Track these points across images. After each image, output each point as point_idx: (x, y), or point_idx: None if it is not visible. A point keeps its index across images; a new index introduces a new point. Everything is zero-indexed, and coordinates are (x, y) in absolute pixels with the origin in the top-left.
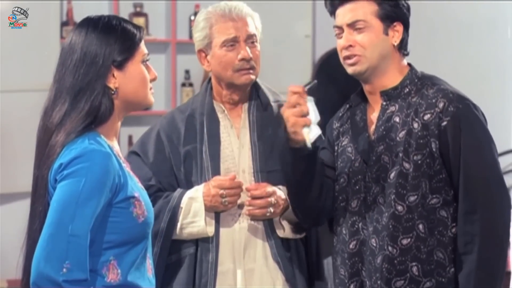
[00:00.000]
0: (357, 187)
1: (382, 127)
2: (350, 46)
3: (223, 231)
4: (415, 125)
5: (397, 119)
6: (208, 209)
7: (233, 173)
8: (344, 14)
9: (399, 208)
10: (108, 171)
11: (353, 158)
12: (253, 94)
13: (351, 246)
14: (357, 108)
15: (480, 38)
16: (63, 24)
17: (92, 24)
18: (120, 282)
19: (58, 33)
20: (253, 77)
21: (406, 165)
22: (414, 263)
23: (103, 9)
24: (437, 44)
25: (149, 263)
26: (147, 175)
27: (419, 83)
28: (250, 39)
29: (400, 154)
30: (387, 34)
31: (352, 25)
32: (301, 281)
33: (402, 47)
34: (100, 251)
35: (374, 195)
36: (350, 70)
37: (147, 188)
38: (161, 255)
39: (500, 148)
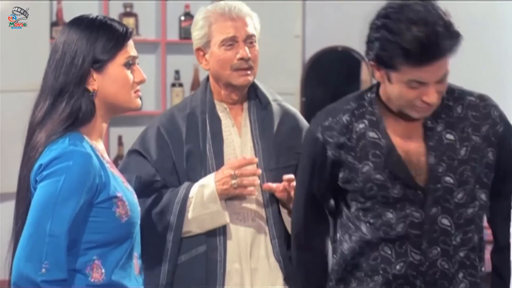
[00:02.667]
0: (402, 212)
1: (437, 149)
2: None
3: (229, 229)
4: (476, 139)
5: (451, 137)
6: (219, 194)
7: (244, 155)
8: (437, 69)
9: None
10: (87, 171)
11: (389, 185)
12: (252, 93)
13: (397, 267)
14: (371, 123)
15: (480, 36)
16: (53, 24)
17: (76, 23)
18: (104, 281)
19: (48, 33)
20: (250, 78)
21: (471, 180)
22: (462, 272)
23: (93, 9)
24: None
25: (137, 263)
26: (150, 172)
27: (456, 93)
28: (249, 39)
29: (467, 173)
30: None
31: (441, 79)
32: None
33: None
34: (83, 251)
35: (433, 217)
36: (419, 115)
37: (153, 183)
38: (173, 249)
39: None
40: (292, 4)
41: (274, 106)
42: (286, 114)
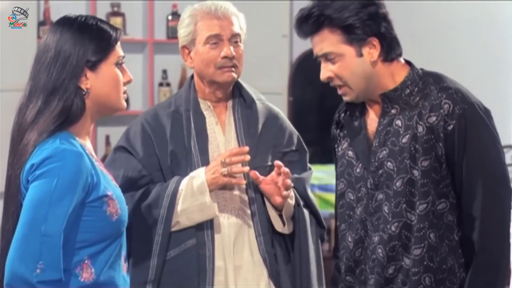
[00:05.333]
0: (359, 194)
1: (384, 132)
2: (330, 77)
3: (214, 226)
4: (420, 128)
5: (398, 123)
6: (209, 184)
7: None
8: (315, 45)
9: (411, 217)
10: (80, 171)
11: (354, 163)
12: (236, 92)
13: (356, 254)
14: (355, 110)
15: (480, 34)
16: (40, 23)
17: (68, 23)
18: (93, 281)
19: (35, 32)
20: (235, 75)
21: (415, 172)
22: (426, 274)
23: (80, 9)
24: (437, 40)
25: (124, 262)
26: (137, 167)
27: (421, 82)
28: (234, 38)
29: (407, 161)
30: (361, 55)
31: (324, 57)
32: (285, 278)
33: (385, 58)
34: (74, 251)
35: (377, 203)
36: (344, 99)
37: (140, 177)
38: (162, 243)
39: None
40: (280, 4)
41: (259, 105)
42: (270, 114)
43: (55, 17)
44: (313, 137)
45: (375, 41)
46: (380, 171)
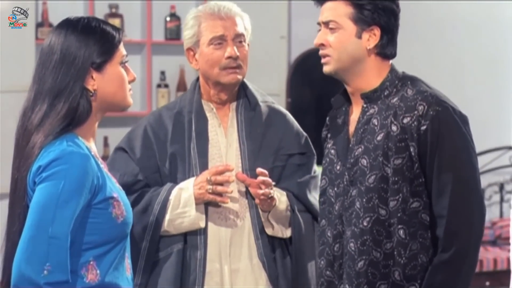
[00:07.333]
0: (338, 190)
1: (361, 130)
2: (322, 45)
3: (210, 228)
4: (394, 128)
5: (375, 121)
6: (196, 198)
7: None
8: (323, 11)
9: (383, 212)
10: (86, 173)
11: (335, 160)
12: (241, 93)
13: (335, 248)
14: (340, 109)
15: (480, 34)
16: (38, 25)
17: (71, 25)
18: (98, 282)
19: (33, 34)
20: (239, 76)
21: (387, 169)
22: (395, 268)
23: (78, 10)
24: (437, 40)
25: (128, 263)
26: (134, 171)
27: (399, 84)
28: (238, 38)
29: (380, 158)
30: (360, 37)
31: (326, 24)
32: (284, 282)
33: (381, 51)
34: (80, 252)
35: (351, 198)
36: (323, 69)
37: (135, 183)
38: (150, 249)
39: (497, 145)
40: (278, 5)
41: (263, 107)
42: (275, 115)
43: (53, 18)
44: (311, 138)
45: (377, 31)
46: (355, 168)
